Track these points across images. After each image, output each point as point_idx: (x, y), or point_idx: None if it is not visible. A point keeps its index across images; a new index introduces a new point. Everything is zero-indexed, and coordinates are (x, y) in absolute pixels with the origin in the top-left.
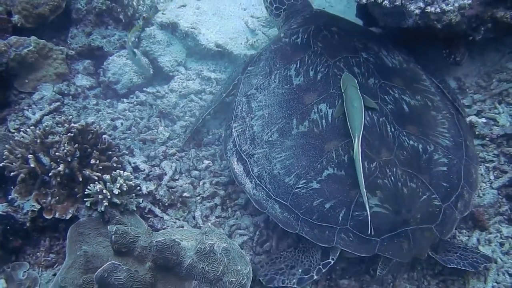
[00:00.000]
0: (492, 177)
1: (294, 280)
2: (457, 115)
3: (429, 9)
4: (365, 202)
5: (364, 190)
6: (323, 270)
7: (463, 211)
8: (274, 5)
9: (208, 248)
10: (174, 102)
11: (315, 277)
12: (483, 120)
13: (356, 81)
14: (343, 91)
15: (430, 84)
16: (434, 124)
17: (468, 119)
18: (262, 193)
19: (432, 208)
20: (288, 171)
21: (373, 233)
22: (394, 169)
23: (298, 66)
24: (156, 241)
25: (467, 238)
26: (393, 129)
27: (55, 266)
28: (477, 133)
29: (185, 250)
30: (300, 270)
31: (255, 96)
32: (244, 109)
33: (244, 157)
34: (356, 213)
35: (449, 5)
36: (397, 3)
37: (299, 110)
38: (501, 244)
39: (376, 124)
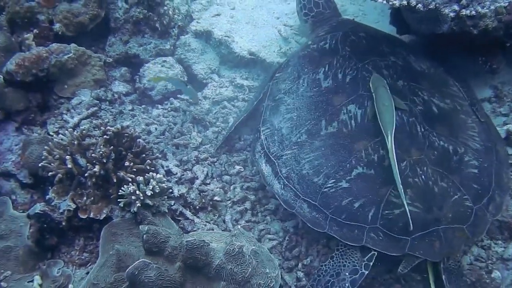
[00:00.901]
0: None
1: (347, 284)
2: (488, 120)
3: (464, 12)
4: (403, 198)
5: (401, 186)
6: (371, 264)
7: (494, 214)
8: (303, 11)
9: (237, 250)
10: (207, 109)
11: (366, 272)
12: None
13: (384, 81)
14: (372, 91)
15: (458, 90)
16: (464, 127)
17: (505, 127)
18: (291, 193)
19: (463, 209)
20: (317, 171)
21: (411, 229)
22: (425, 168)
23: (326, 69)
24: (186, 241)
25: (502, 249)
26: (423, 129)
27: (88, 265)
28: None
29: (214, 251)
30: (347, 274)
31: (283, 100)
32: (272, 113)
33: (272, 158)
34: (386, 211)
35: (485, 8)
36: (431, 7)
37: (328, 111)
38: None
39: (406, 124)
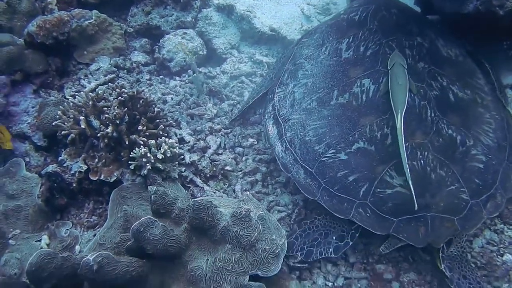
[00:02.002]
0: None
1: (330, 250)
2: (508, 120)
3: None
4: (408, 179)
5: (407, 165)
6: (357, 234)
7: (491, 212)
8: None
9: (244, 213)
10: (224, 83)
11: (350, 242)
12: None
13: (404, 60)
14: (389, 68)
15: (485, 84)
16: (480, 121)
17: None
18: (290, 157)
19: (458, 200)
20: (319, 139)
21: (416, 208)
22: (426, 153)
23: (350, 40)
24: (193, 201)
25: None
26: (433, 114)
27: (96, 228)
28: None
29: (221, 213)
30: (334, 237)
31: (303, 65)
32: (290, 76)
33: (280, 121)
34: (378, 190)
35: None
36: None
37: (342, 82)
38: None
39: (417, 106)
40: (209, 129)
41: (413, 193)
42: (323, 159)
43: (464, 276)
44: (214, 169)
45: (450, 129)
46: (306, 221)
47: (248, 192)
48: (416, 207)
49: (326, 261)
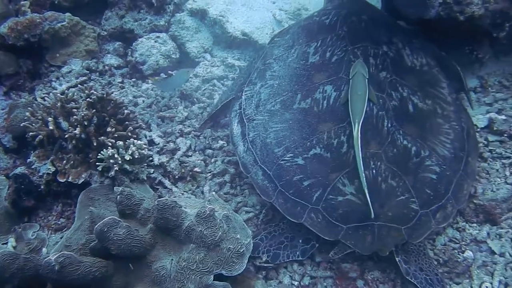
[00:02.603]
0: (508, 173)
1: (298, 253)
2: (468, 130)
3: None
4: (364, 187)
5: (364, 175)
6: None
7: (440, 222)
8: None
9: (208, 212)
10: (196, 86)
11: (317, 245)
12: (503, 117)
13: (366, 70)
14: (351, 77)
15: (448, 94)
16: (437, 131)
17: (487, 115)
18: (251, 157)
19: (407, 210)
20: (279, 142)
21: (372, 216)
22: (378, 163)
23: (318, 45)
24: (157, 201)
25: (477, 231)
26: (389, 125)
27: (64, 230)
28: (495, 129)
29: (185, 213)
30: (300, 241)
31: (271, 66)
32: (258, 76)
33: (245, 120)
34: (330, 196)
35: None
36: None
37: (306, 87)
38: None
39: (374, 116)
40: (179, 131)
41: (369, 202)
42: (281, 162)
43: (421, 269)
44: (183, 170)
45: (406, 139)
46: (271, 224)
47: (214, 193)
48: (373, 215)
49: (293, 260)
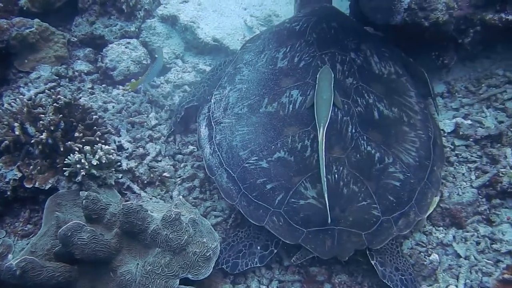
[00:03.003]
0: (473, 177)
1: (256, 260)
2: (435, 140)
3: None
4: (324, 191)
5: (325, 179)
6: (280, 242)
7: (402, 229)
8: None
9: (173, 216)
10: (167, 92)
11: (275, 250)
12: (469, 121)
13: (332, 76)
14: (317, 82)
15: (416, 103)
16: (402, 139)
17: (453, 120)
18: (216, 160)
19: (368, 216)
20: (244, 145)
21: (329, 221)
22: (341, 168)
23: (287, 50)
24: (123, 205)
25: (443, 235)
26: (353, 130)
27: (31, 236)
28: (461, 133)
29: (151, 217)
30: (258, 248)
31: (241, 70)
32: (228, 80)
33: (212, 123)
34: (292, 200)
35: None
36: None
37: (273, 91)
38: (477, 243)
39: (338, 121)
40: (149, 137)
41: (328, 206)
42: (246, 165)
43: (397, 268)
44: (152, 175)
45: (370, 145)
46: (236, 230)
47: (181, 197)
48: (330, 220)
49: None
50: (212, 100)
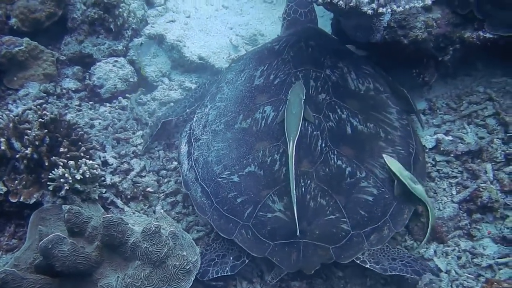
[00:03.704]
0: (454, 192)
1: (227, 268)
2: (417, 156)
3: (381, 9)
4: (294, 204)
5: (294, 192)
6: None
7: (374, 244)
8: (283, 15)
9: (153, 229)
10: (153, 109)
11: (247, 261)
12: (450, 138)
13: (304, 91)
14: (288, 98)
15: (397, 119)
16: (378, 154)
17: (435, 136)
18: (193, 175)
19: (336, 230)
20: (219, 160)
21: (298, 234)
22: (308, 181)
23: (264, 68)
24: (103, 217)
25: (424, 249)
26: (323, 145)
27: (15, 251)
28: (442, 149)
29: (132, 230)
30: (231, 258)
31: (222, 89)
32: (210, 99)
33: (192, 140)
34: (260, 213)
35: (400, 7)
36: (352, 4)
37: (248, 107)
38: (458, 258)
39: (308, 136)
40: (133, 152)
41: (297, 220)
42: (219, 179)
43: (393, 258)
44: (135, 190)
45: (340, 160)
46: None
47: (162, 210)
48: (299, 233)
49: (242, 278)
50: (194, 119)
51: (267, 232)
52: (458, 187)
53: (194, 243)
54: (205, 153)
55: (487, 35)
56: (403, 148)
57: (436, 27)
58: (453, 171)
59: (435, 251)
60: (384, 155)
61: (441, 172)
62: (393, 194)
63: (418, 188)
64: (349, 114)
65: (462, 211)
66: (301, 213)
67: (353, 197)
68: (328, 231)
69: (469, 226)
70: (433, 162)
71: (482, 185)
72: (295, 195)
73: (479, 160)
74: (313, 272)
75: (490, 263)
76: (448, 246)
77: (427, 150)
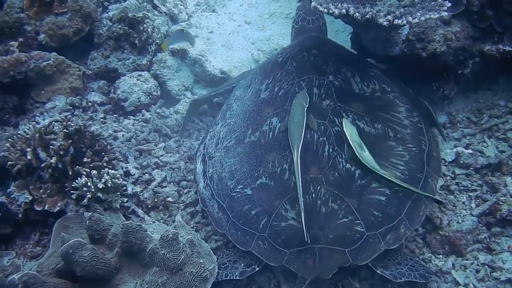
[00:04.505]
0: (473, 205)
1: (236, 273)
2: (430, 152)
3: (396, 21)
4: (301, 211)
5: (302, 199)
6: (264, 262)
7: (391, 244)
8: (292, 24)
9: (171, 236)
10: (175, 123)
11: (257, 268)
12: (470, 151)
13: (307, 99)
14: (291, 107)
15: (406, 117)
16: (388, 154)
17: (454, 149)
18: (209, 192)
19: (350, 232)
20: (231, 175)
21: (308, 240)
22: (318, 187)
23: (269, 81)
24: (122, 224)
25: (442, 262)
26: (331, 150)
27: (39, 258)
28: (461, 162)
29: (150, 237)
30: (242, 264)
31: (231, 106)
32: (221, 117)
33: (206, 158)
34: (275, 223)
35: (415, 18)
36: (368, 16)
37: (256, 121)
38: (477, 271)
39: (314, 142)
40: (155, 164)
41: (304, 226)
42: (233, 194)
43: (399, 263)
44: (156, 200)
45: (349, 163)
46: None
47: (180, 219)
48: (307, 240)
49: None
50: (208, 137)
51: (282, 240)
52: (478, 200)
53: (211, 251)
54: (219, 169)
55: (507, 48)
56: (415, 145)
57: (455, 40)
58: (472, 184)
59: (453, 264)
60: (343, 119)
61: (460, 185)
62: (407, 191)
63: (364, 154)
64: (355, 117)
65: (481, 225)
66: (313, 219)
67: (365, 199)
68: (342, 234)
69: (488, 240)
70: (453, 175)
71: (502, 198)
72: (303, 203)
73: (498, 173)
74: (330, 276)
75: (509, 277)
76: (467, 260)
77: (446, 163)
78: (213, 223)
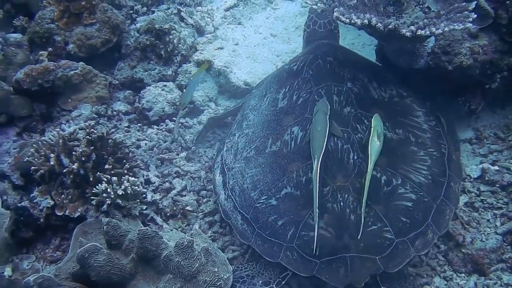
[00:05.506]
0: (498, 223)
1: None
2: (450, 155)
3: (420, 32)
4: (316, 222)
5: (317, 210)
6: (283, 282)
7: (420, 250)
8: (304, 27)
9: (186, 243)
10: (198, 132)
11: (275, 287)
12: (496, 167)
13: (328, 107)
14: (313, 115)
15: (424, 122)
16: (411, 159)
17: (480, 166)
18: (231, 204)
19: (380, 240)
20: (254, 186)
21: (316, 253)
22: (346, 195)
23: (286, 90)
24: (138, 230)
25: (464, 281)
26: (355, 157)
27: (58, 262)
28: (487, 179)
29: (166, 244)
30: (260, 282)
31: (247, 116)
32: (237, 127)
33: (225, 170)
34: (303, 233)
35: (439, 29)
36: (391, 27)
37: (276, 130)
38: None
39: (339, 150)
40: (176, 173)
41: (316, 236)
42: (257, 205)
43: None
44: (175, 208)
45: (374, 170)
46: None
47: (197, 227)
48: (316, 252)
49: None
50: (224, 148)
51: (312, 250)
52: (503, 219)
53: (227, 261)
54: (240, 180)
55: None
56: (435, 149)
57: (483, 54)
58: (498, 202)
59: (475, 284)
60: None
61: (485, 202)
62: (433, 197)
63: (375, 143)
64: None
65: (506, 244)
66: (342, 227)
67: (393, 205)
68: (372, 242)
69: None
70: (477, 192)
71: None
72: (317, 214)
73: None
74: (363, 285)
75: None
76: (490, 279)
77: (471, 180)
78: (237, 235)
